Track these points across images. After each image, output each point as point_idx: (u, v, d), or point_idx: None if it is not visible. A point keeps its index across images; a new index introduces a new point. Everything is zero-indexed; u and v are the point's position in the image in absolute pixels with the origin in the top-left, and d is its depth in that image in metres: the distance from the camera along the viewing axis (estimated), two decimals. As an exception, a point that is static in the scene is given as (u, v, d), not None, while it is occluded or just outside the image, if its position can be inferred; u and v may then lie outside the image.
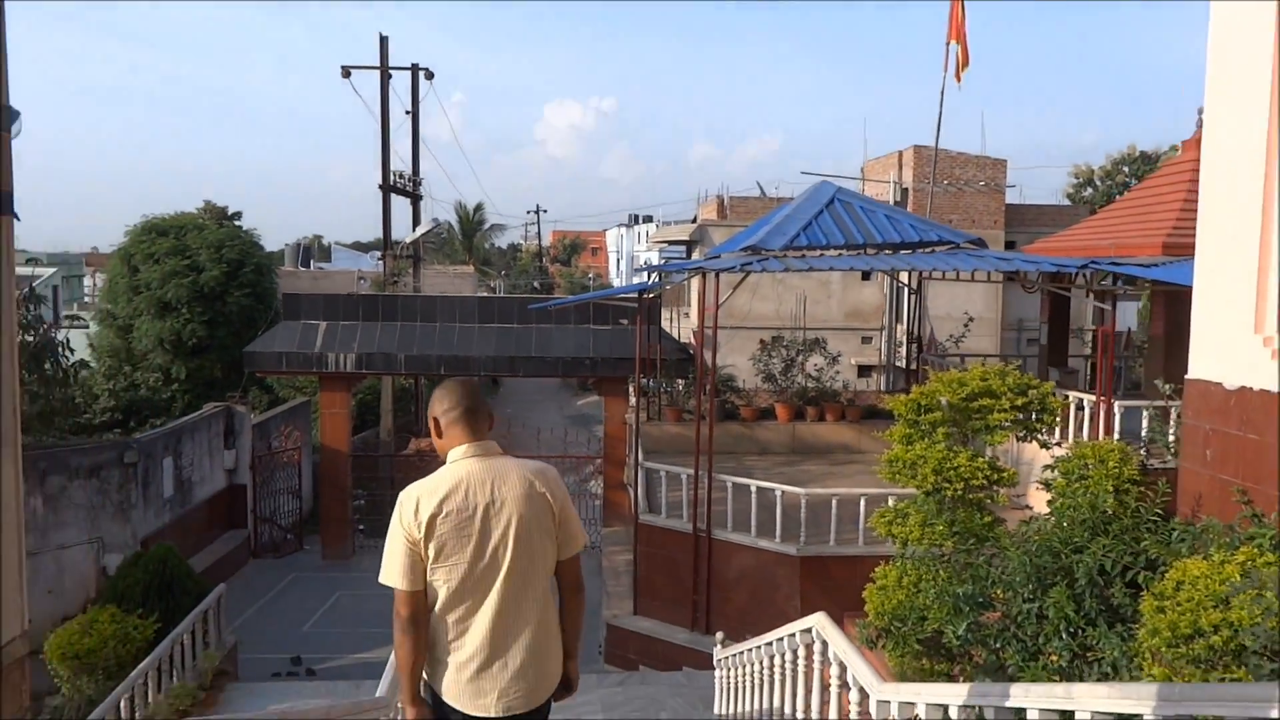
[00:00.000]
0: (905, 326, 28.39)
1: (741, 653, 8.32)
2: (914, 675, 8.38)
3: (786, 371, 17.66)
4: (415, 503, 3.18)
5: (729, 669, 9.03)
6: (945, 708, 4.28)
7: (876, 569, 8.66)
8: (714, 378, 12.61)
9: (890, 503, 11.34)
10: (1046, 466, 8.30)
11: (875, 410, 18.06)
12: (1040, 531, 7.10)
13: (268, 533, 19.24)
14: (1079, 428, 12.20)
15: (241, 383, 20.45)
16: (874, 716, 5.26)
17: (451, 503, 3.17)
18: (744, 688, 8.38)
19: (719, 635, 9.58)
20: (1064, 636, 6.23)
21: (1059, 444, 10.51)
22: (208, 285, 24.00)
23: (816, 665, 6.51)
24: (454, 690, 3.24)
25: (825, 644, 6.44)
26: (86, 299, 44.69)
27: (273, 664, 13.26)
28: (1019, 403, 8.10)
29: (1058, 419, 8.40)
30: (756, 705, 7.92)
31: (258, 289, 25.08)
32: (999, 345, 29.20)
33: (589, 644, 13.97)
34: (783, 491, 11.63)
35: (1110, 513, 7.21)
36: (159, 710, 9.23)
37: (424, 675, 3.33)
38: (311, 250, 59.83)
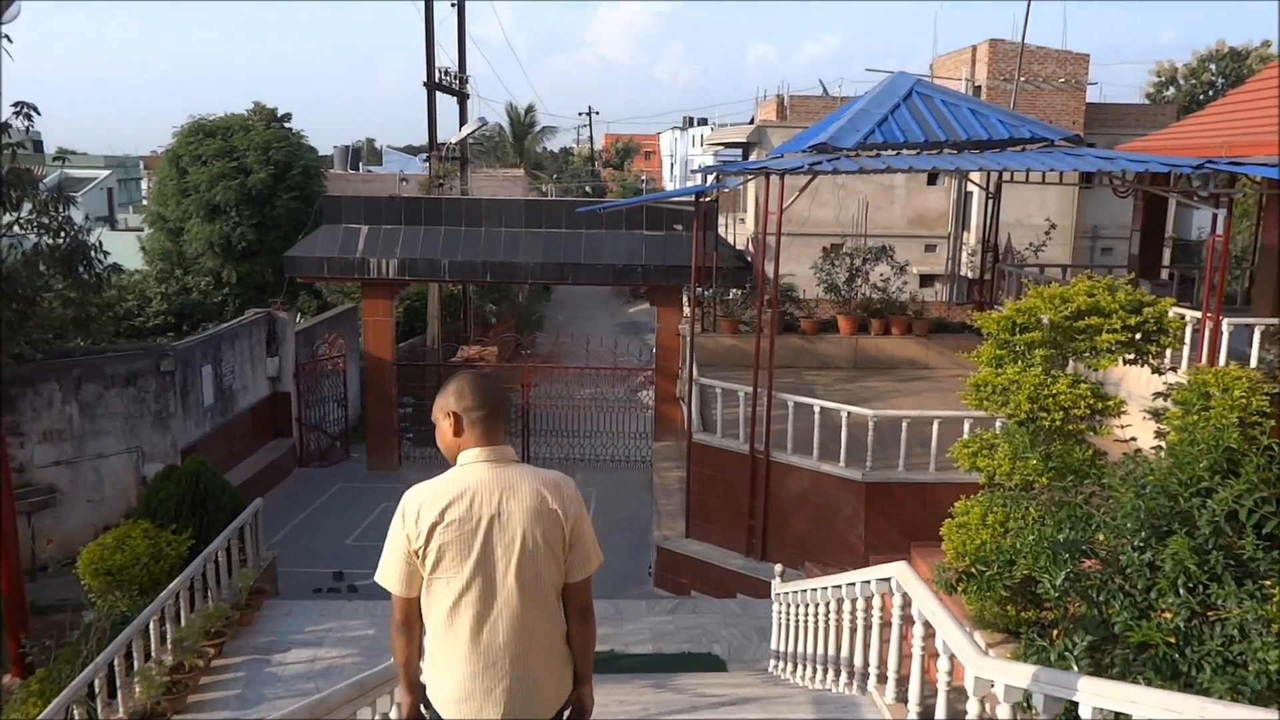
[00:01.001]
0: (973, 234, 26.97)
1: (804, 591, 7.60)
2: (996, 621, 7.62)
3: (850, 281, 16.62)
4: (417, 509, 2.97)
5: (788, 605, 8.35)
6: (1071, 706, 3.49)
7: (956, 504, 7.83)
8: (776, 288, 11.67)
9: (966, 427, 10.46)
10: (1157, 394, 7.33)
11: (944, 324, 17.02)
12: (1154, 470, 6.21)
13: (314, 441, 18.95)
14: (1178, 344, 11.08)
15: (283, 288, 19.92)
16: (968, 690, 4.51)
17: (454, 512, 2.95)
18: (806, 629, 7.69)
19: (778, 568, 8.89)
20: (1181, 592, 5.39)
21: (1173, 368, 9.43)
22: (255, 188, 23.50)
23: (896, 620, 5.75)
24: (450, 707, 3.03)
25: (906, 596, 5.68)
26: (143, 201, 44.64)
27: (314, 579, 12.95)
28: (1131, 322, 7.09)
29: (1174, 341, 7.38)
30: (819, 650, 7.23)
31: (305, 192, 24.50)
32: (1071, 254, 27.63)
33: (639, 565, 13.47)
34: (849, 412, 10.78)
35: (1238, 450, 6.25)
36: (189, 633, 8.85)
37: (424, 683, 3.16)
38: (361, 153, 59.04)
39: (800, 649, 7.86)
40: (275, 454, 17.28)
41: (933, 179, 27.61)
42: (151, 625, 8.57)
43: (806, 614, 7.68)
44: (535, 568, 2.97)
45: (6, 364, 12.55)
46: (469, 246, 17.31)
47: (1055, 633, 6.59)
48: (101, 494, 13.20)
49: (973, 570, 7.11)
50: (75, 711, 7.43)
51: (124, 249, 29.36)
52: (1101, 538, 6.36)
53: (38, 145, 11.95)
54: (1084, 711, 3.45)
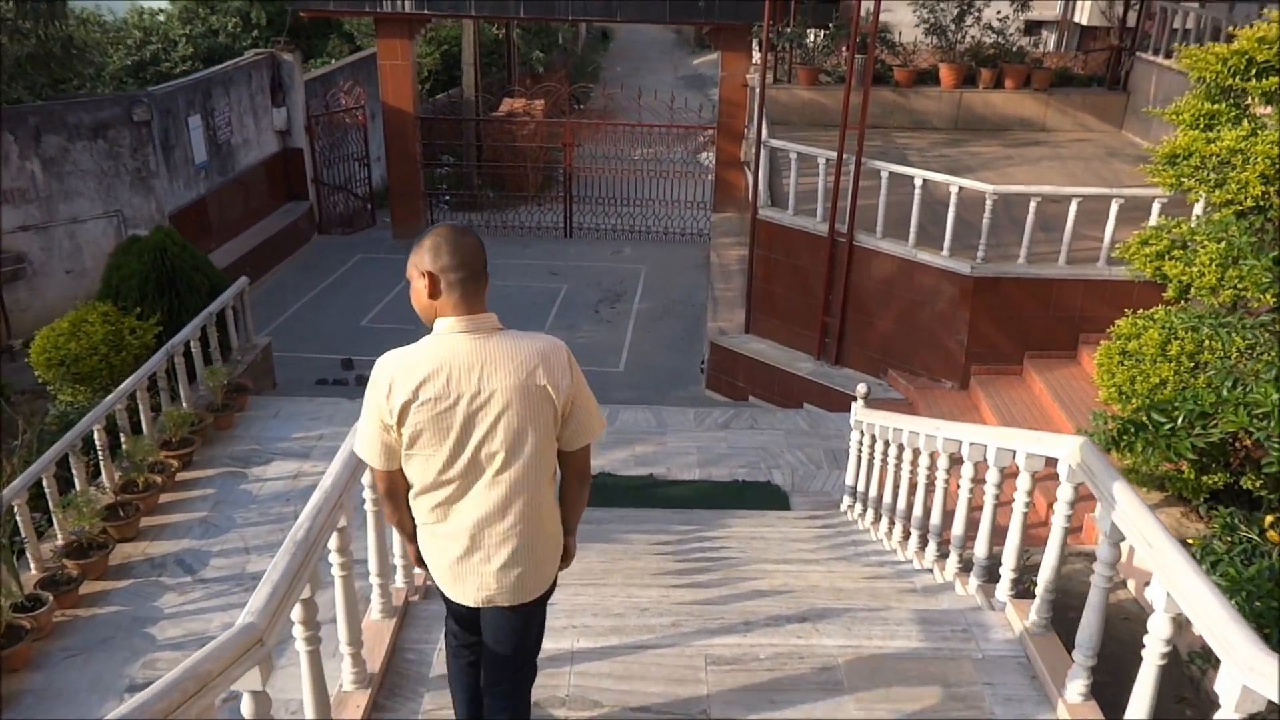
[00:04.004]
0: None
1: (904, 431, 5.71)
2: (1157, 477, 5.72)
3: (959, 20, 13.63)
4: (389, 384, 2.62)
5: (871, 438, 6.51)
6: None
7: (1120, 322, 5.72)
8: (875, 25, 9.03)
9: (1113, 209, 8.12)
10: None
11: (1069, 75, 14.13)
12: None
13: (340, 203, 17.07)
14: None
15: (285, 25, 17.35)
16: (1216, 692, 2.65)
17: (429, 389, 2.60)
18: (900, 478, 5.87)
19: (861, 388, 6.98)
20: None
21: None
22: (275, -98, 20.40)
23: (1060, 520, 3.82)
24: (437, 573, 2.84)
25: (1079, 489, 3.73)
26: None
27: (320, 367, 11.43)
28: None
29: None
30: (918, 513, 5.43)
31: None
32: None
33: (690, 360, 11.71)
34: (960, 187, 8.46)
35: None
36: (138, 449, 7.36)
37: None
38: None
39: (889, 499, 6.08)
40: (289, 218, 15.46)
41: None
42: (96, 435, 7.10)
43: (902, 459, 5.83)
44: (524, 445, 2.65)
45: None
46: (499, -25, 14.53)
47: (1269, 520, 4.66)
48: (81, 264, 11.62)
49: (1145, 420, 5.12)
50: (-13, 549, 6.06)
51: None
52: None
53: None
54: None
